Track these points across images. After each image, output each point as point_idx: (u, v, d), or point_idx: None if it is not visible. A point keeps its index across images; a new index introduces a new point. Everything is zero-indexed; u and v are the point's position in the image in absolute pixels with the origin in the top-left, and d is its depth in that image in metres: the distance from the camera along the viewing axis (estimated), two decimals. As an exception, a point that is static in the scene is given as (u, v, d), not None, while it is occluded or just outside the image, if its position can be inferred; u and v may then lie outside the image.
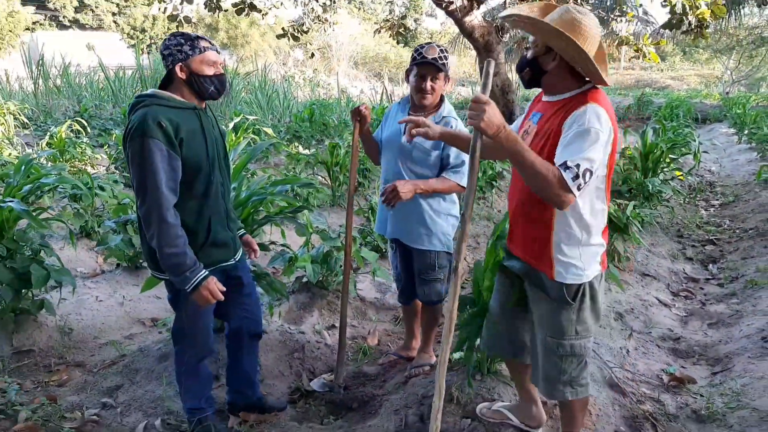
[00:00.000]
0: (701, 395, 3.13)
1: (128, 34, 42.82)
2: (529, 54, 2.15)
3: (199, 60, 2.21)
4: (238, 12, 7.03)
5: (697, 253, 5.68)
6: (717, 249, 5.79)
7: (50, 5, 40.64)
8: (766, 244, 5.41)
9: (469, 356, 2.81)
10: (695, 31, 7.43)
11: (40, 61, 14.14)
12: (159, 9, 6.65)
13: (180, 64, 2.20)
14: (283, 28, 7.35)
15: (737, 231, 6.24)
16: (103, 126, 11.50)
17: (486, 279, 2.76)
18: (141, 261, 4.65)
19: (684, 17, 7.30)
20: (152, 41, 40.62)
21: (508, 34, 9.05)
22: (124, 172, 7.06)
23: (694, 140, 6.96)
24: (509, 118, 9.28)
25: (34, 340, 3.63)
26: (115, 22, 43.22)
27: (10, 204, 3.35)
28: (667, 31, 8.80)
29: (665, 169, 6.39)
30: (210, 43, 2.27)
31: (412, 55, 2.93)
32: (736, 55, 31.17)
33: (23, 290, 3.57)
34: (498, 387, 2.87)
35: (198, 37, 2.24)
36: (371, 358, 3.65)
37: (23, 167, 3.79)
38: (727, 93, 27.92)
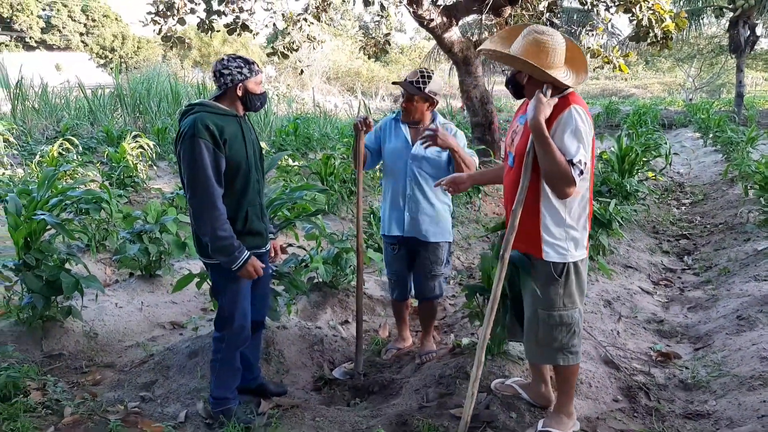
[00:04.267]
0: (686, 367, 3.48)
1: (97, 53, 42.56)
2: (509, 74, 2.59)
3: (254, 81, 2.63)
4: (230, 32, 7.29)
5: (672, 247, 6.11)
6: (690, 243, 6.23)
7: (16, 26, 40.18)
8: (735, 237, 5.86)
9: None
10: (661, 42, 7.93)
11: (19, 82, 14.14)
12: (153, 30, 6.88)
13: (240, 84, 2.59)
14: (272, 47, 7.63)
15: (708, 226, 6.71)
16: (87, 144, 11.58)
17: (495, 267, 3.07)
18: (155, 270, 4.86)
19: (650, 30, 7.80)
20: (122, 60, 40.49)
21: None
22: (126, 187, 7.24)
23: (666, 143, 7.44)
24: (489, 126, 9.69)
25: (63, 345, 3.82)
26: (83, 42, 42.91)
27: (42, 217, 3.56)
28: (633, 42, 9.34)
29: (640, 171, 6.85)
30: (259, 67, 2.67)
31: None
32: (697, 63, 32.45)
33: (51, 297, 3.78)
34: (507, 365, 3.18)
35: (253, 62, 2.64)
36: (383, 348, 3.91)
37: (47, 182, 3.99)
38: (690, 100, 29.02)
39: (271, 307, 3.41)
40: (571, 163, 2.27)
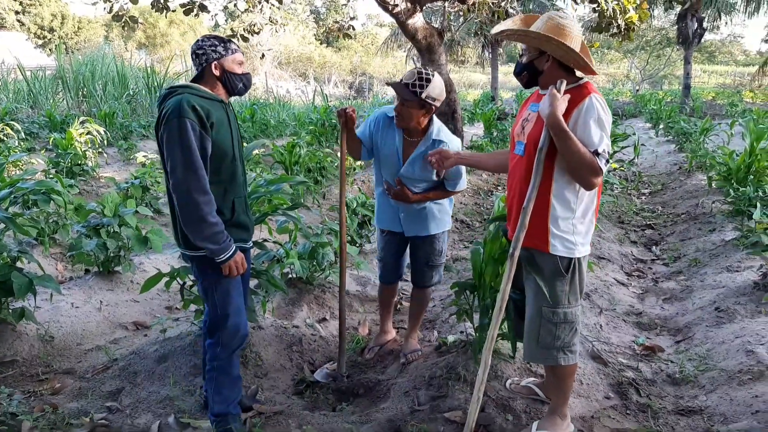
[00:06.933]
0: (672, 361, 3.47)
1: (35, 33, 40.43)
2: (524, 59, 2.46)
3: (231, 59, 2.45)
4: (186, 12, 6.91)
5: (639, 237, 6.17)
6: (656, 233, 6.31)
7: (-56, 2, 37.69)
8: (700, 227, 5.96)
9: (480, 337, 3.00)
10: (623, 33, 8.00)
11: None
12: (104, 8, 6.43)
13: (215, 62, 2.42)
14: (232, 29, 7.29)
15: (671, 216, 6.82)
16: (28, 129, 10.92)
17: (489, 265, 2.96)
18: (114, 266, 4.55)
19: (613, 21, 7.85)
20: (62, 40, 38.59)
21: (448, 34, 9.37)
22: (75, 176, 6.81)
23: (634, 134, 7.51)
24: (452, 115, 9.60)
25: (16, 350, 3.51)
26: (19, 21, 40.62)
27: (-8, 211, 3.24)
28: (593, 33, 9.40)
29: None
30: (237, 46, 2.47)
31: None
32: (644, 55, 33.38)
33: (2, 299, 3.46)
34: (500, 364, 3.07)
35: (230, 40, 2.46)
36: (363, 347, 3.75)
37: (-6, 172, 3.64)
38: (638, 91, 29.80)
39: (249, 308, 3.20)
40: (596, 153, 2.19)
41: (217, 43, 2.43)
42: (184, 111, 2.27)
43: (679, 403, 3.05)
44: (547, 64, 2.35)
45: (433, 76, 2.95)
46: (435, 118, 3.15)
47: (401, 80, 2.99)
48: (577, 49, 2.30)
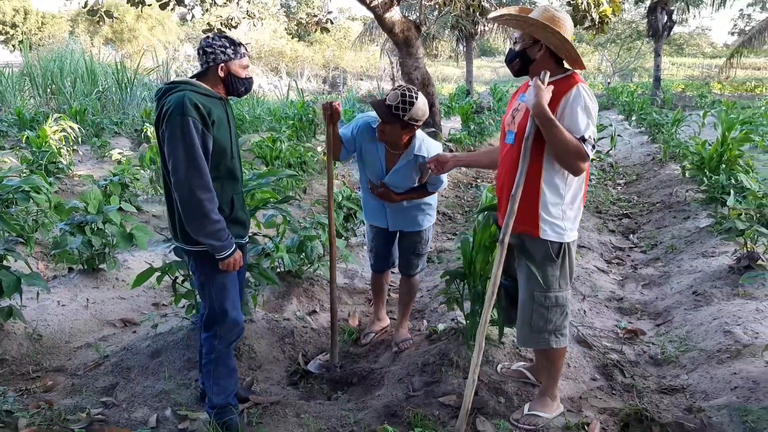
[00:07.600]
0: (653, 343, 3.60)
1: (-4, 29, 39.38)
2: (517, 47, 2.53)
3: (238, 63, 2.47)
4: (162, 7, 6.85)
5: (617, 226, 6.34)
6: (632, 221, 6.49)
7: None
8: (675, 215, 6.14)
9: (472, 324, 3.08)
10: (597, 26, 8.16)
11: None
12: (79, 2, 6.33)
13: (222, 64, 2.44)
14: (209, 23, 7.24)
15: (646, 205, 7.01)
16: (-3, 128, 10.66)
17: (479, 253, 3.04)
18: (99, 264, 4.51)
19: (587, 14, 8.00)
20: (25, 36, 37.62)
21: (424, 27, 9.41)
22: (50, 174, 6.70)
23: (611, 125, 7.66)
24: (430, 109, 9.66)
25: (5, 349, 3.48)
26: (-21, 16, 39.47)
27: (-21, 209, 3.20)
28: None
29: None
30: (246, 49, 2.50)
31: None
32: (614, 48, 33.92)
33: (-11, 298, 3.42)
34: (490, 349, 3.16)
35: (240, 43, 2.48)
36: (354, 338, 3.81)
37: (-24, 170, 3.59)
38: (609, 84, 30.29)
39: (243, 301, 3.23)
40: (582, 139, 2.28)
41: (227, 44, 2.45)
42: (186, 109, 2.28)
43: (662, 383, 3.17)
44: (539, 53, 2.43)
45: (416, 98, 2.95)
46: (418, 131, 3.16)
47: (384, 100, 3.00)
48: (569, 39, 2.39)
